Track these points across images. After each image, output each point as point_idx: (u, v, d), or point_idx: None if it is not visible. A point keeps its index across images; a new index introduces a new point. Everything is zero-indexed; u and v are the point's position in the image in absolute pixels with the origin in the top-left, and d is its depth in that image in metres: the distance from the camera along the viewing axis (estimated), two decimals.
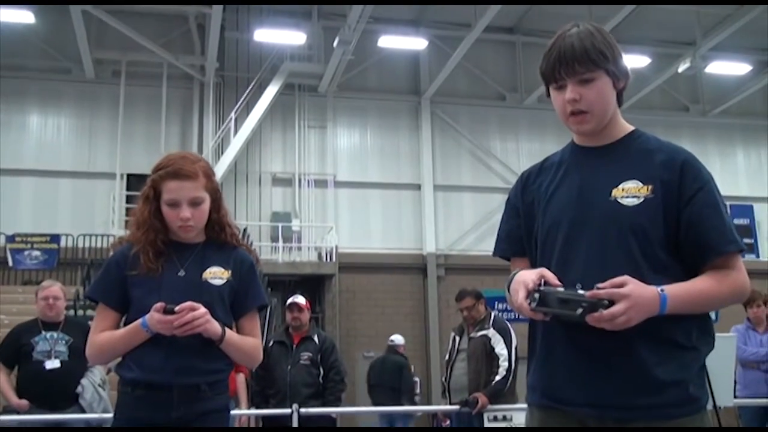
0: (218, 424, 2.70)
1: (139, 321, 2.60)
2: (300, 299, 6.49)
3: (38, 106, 17.36)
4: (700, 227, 1.95)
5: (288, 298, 6.62)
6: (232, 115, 17.60)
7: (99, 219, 16.80)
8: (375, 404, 10.88)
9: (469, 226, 18.56)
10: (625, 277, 1.85)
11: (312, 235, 18.09)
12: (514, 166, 18.77)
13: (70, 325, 5.93)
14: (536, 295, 1.86)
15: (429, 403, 16.50)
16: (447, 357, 6.63)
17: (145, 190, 2.72)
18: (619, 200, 1.98)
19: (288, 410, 5.79)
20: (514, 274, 2.01)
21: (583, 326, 1.86)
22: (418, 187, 18.69)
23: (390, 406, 10.23)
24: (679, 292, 1.89)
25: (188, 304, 2.54)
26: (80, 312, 11.73)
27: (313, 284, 17.09)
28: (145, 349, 2.62)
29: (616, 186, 2.00)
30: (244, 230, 14.49)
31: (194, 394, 2.63)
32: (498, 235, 2.30)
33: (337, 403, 6.28)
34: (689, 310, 1.92)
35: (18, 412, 5.63)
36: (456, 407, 6.23)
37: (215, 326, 2.61)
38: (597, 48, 2.00)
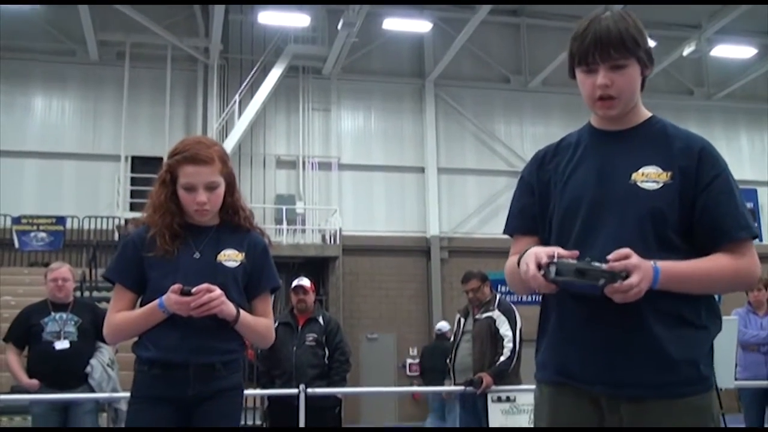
0: (232, 402, 2.79)
1: (156, 302, 2.67)
2: (305, 282, 6.55)
3: (42, 88, 17.37)
4: (714, 213, 1.99)
5: (292, 280, 6.67)
6: (237, 97, 17.60)
7: (104, 201, 16.85)
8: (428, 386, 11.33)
9: (473, 208, 18.59)
10: (627, 249, 1.87)
11: (316, 217, 18.13)
12: (518, 149, 18.79)
13: (79, 306, 5.99)
14: (551, 268, 1.87)
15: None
16: (452, 338, 6.69)
17: (161, 174, 2.79)
18: (638, 184, 2.01)
19: (295, 390, 5.86)
20: (525, 251, 2.00)
21: (598, 304, 1.90)
22: (422, 169, 18.70)
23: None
24: (673, 269, 1.92)
25: (204, 286, 2.61)
26: (87, 293, 11.82)
27: (317, 266, 17.16)
28: (161, 329, 2.70)
29: (636, 170, 2.03)
30: None
31: (209, 372, 2.71)
32: (510, 212, 2.27)
33: (342, 383, 6.35)
34: (688, 289, 1.95)
35: (28, 392, 5.72)
36: (460, 387, 6.30)
37: (230, 307, 2.69)
38: (631, 34, 2.00)
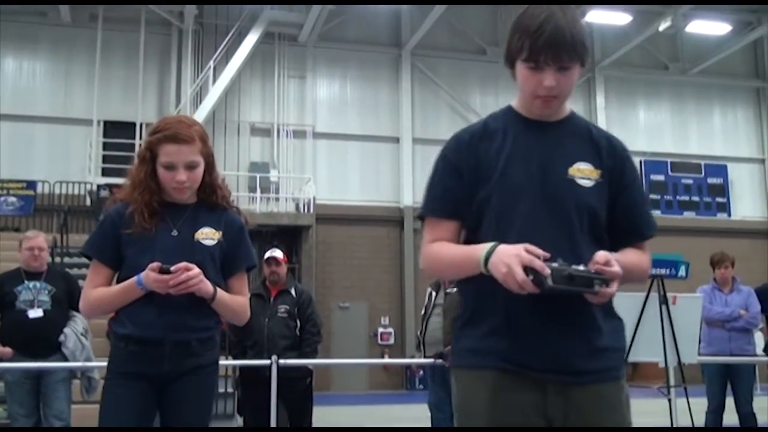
0: (208, 378, 2.86)
1: (135, 278, 2.71)
2: (278, 253, 6.56)
3: (13, 49, 17.06)
4: (633, 212, 2.15)
5: (265, 249, 6.68)
6: (211, 63, 17.44)
7: (75, 166, 16.67)
8: None
9: None
10: (606, 253, 1.97)
11: (290, 185, 18.12)
12: None
13: (53, 274, 5.99)
14: (547, 273, 1.87)
15: (403, 355, 16.81)
16: (423, 311, 6.76)
17: (141, 152, 2.82)
18: (576, 179, 2.08)
19: (267, 361, 5.92)
20: (494, 247, 1.98)
21: (552, 297, 1.94)
22: (397, 139, 18.72)
23: None
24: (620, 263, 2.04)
25: (183, 264, 2.66)
26: (58, 259, 11.75)
27: (290, 235, 17.18)
28: (138, 306, 2.74)
29: (571, 165, 2.09)
30: None
31: (185, 350, 2.77)
32: (430, 193, 2.22)
33: (313, 354, 6.41)
34: (621, 281, 2.08)
35: (1, 359, 5.73)
36: (430, 360, 6.39)
37: (208, 286, 2.74)
38: (581, 38, 2.03)
